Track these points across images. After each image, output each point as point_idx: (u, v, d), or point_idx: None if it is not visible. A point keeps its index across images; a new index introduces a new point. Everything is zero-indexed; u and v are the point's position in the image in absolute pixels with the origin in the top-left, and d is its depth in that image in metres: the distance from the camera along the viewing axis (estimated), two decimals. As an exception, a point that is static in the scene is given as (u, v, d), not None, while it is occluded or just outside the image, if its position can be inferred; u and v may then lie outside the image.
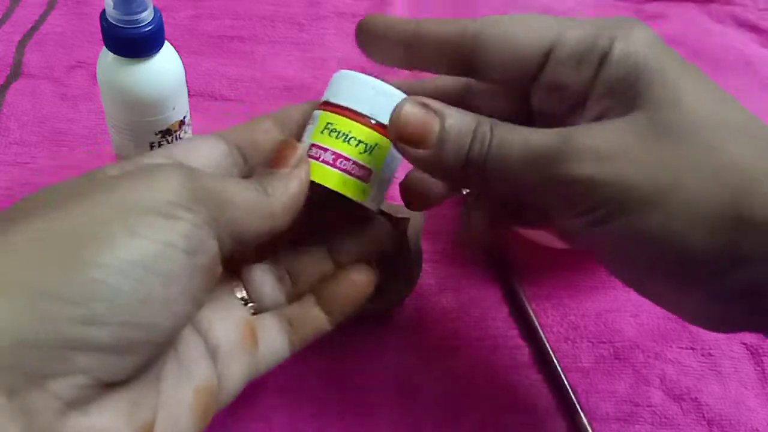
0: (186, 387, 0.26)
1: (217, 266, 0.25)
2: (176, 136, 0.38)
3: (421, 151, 0.27)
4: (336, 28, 0.57)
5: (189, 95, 0.39)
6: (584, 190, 0.24)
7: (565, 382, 0.38)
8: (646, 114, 0.25)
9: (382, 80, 0.29)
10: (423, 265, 0.39)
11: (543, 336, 0.40)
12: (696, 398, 0.39)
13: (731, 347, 0.41)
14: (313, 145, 0.29)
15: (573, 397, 0.38)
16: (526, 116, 0.29)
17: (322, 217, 0.32)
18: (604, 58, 0.26)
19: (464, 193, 0.46)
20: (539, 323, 0.40)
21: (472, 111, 0.27)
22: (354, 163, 0.29)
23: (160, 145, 0.37)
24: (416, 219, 0.40)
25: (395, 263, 0.40)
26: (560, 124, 0.26)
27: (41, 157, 0.46)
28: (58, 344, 0.21)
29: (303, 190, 0.28)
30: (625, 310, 0.42)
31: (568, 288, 0.43)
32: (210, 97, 0.51)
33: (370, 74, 0.30)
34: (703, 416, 0.38)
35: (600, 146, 0.24)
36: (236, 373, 0.28)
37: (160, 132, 0.37)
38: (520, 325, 0.41)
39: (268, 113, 0.31)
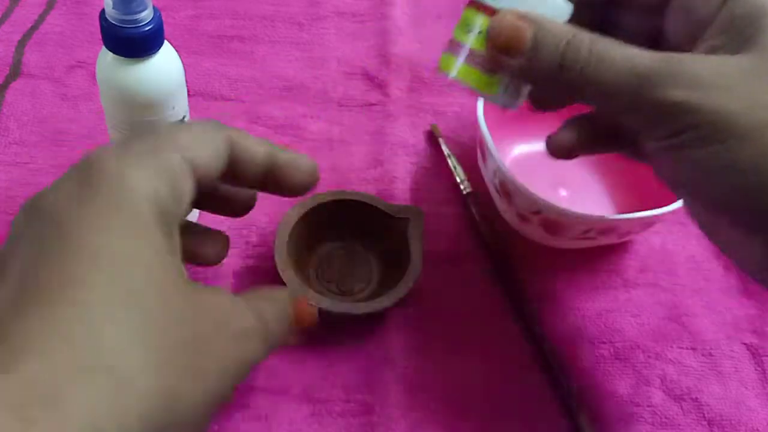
0: None
1: None
2: (176, 136, 0.38)
3: (515, 60, 0.29)
4: (336, 27, 0.57)
5: (189, 95, 0.39)
6: (679, 112, 0.26)
7: (566, 382, 0.38)
8: (756, 55, 0.26)
9: None
10: (423, 264, 0.39)
11: (543, 336, 0.40)
12: (696, 398, 0.39)
13: (731, 347, 0.41)
14: (451, 40, 0.31)
15: (573, 397, 0.37)
16: (652, 42, 0.30)
17: None
18: None
19: (465, 193, 0.46)
20: (540, 323, 0.40)
21: (610, 26, 0.29)
22: (479, 55, 0.31)
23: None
24: (416, 219, 0.41)
25: (396, 263, 0.40)
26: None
27: (41, 157, 0.46)
28: None
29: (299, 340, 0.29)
30: (625, 310, 0.42)
31: (568, 288, 0.43)
32: (210, 96, 0.51)
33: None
34: (704, 416, 0.38)
35: (703, 74, 0.26)
36: None
37: (160, 132, 0.37)
38: (520, 325, 0.41)
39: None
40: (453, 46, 0.32)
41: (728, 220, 0.28)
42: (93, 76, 0.50)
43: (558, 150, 0.35)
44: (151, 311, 0.23)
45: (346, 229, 0.42)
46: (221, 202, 0.31)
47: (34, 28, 0.54)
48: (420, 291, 0.41)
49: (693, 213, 0.31)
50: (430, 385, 0.38)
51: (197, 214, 0.42)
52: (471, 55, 0.31)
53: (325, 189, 0.44)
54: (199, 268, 0.40)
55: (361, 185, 0.46)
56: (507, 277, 0.42)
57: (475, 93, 0.32)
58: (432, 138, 0.50)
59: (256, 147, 0.29)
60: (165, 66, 0.35)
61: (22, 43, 0.53)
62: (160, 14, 0.34)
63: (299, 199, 0.37)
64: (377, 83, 0.53)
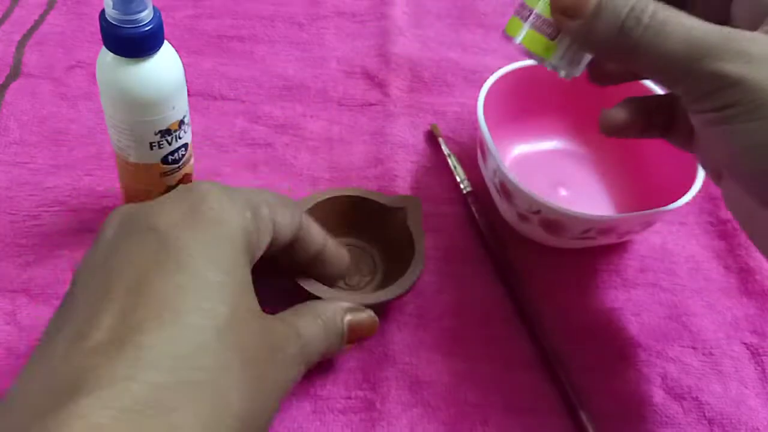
0: None
1: None
2: (176, 136, 0.38)
3: (576, 22, 0.30)
4: (336, 27, 0.57)
5: (189, 95, 0.39)
6: (727, 84, 0.26)
7: (566, 381, 0.38)
8: None
9: None
10: (425, 263, 0.39)
11: (544, 335, 0.40)
12: (697, 397, 0.39)
13: (732, 347, 0.41)
14: (521, 3, 0.33)
15: (574, 395, 0.37)
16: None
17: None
18: None
19: (465, 193, 0.46)
20: (540, 322, 0.40)
21: (680, 7, 0.29)
22: (543, 20, 0.32)
23: (159, 145, 0.37)
24: (414, 209, 0.41)
25: (399, 255, 0.39)
26: None
27: (41, 157, 0.46)
28: None
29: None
30: (626, 310, 0.42)
31: (568, 288, 0.43)
32: (210, 96, 0.51)
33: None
34: (704, 415, 0.38)
35: (754, 51, 0.26)
36: None
37: (160, 132, 0.37)
38: (521, 324, 0.41)
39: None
40: (522, 10, 0.33)
41: (762, 201, 0.28)
42: (93, 76, 0.50)
43: (610, 127, 0.36)
44: (239, 334, 0.25)
45: (346, 225, 0.41)
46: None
47: (34, 28, 0.54)
48: (420, 290, 0.41)
49: (730, 197, 0.31)
50: (431, 383, 0.38)
51: None
52: (538, 20, 0.32)
53: (325, 188, 0.45)
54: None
55: (362, 184, 0.46)
56: (507, 276, 0.42)
57: (536, 58, 0.33)
58: (432, 138, 0.50)
59: (317, 236, 0.34)
60: (165, 66, 0.35)
61: (22, 43, 0.53)
62: (160, 14, 0.34)
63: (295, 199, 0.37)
64: (377, 83, 0.53)
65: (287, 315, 0.31)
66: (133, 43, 0.34)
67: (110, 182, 0.44)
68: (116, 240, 0.27)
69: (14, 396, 0.23)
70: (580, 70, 0.34)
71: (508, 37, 0.33)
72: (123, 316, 0.24)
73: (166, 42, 0.35)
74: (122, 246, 0.26)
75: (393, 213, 0.41)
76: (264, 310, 0.29)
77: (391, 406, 0.37)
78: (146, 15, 0.33)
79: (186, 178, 0.41)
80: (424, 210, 0.41)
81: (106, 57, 0.35)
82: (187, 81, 0.38)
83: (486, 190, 0.45)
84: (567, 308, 0.42)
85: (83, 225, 0.42)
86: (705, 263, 0.45)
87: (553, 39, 0.32)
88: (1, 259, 0.41)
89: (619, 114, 0.35)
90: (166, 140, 0.37)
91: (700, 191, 0.41)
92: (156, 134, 0.37)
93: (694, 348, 0.41)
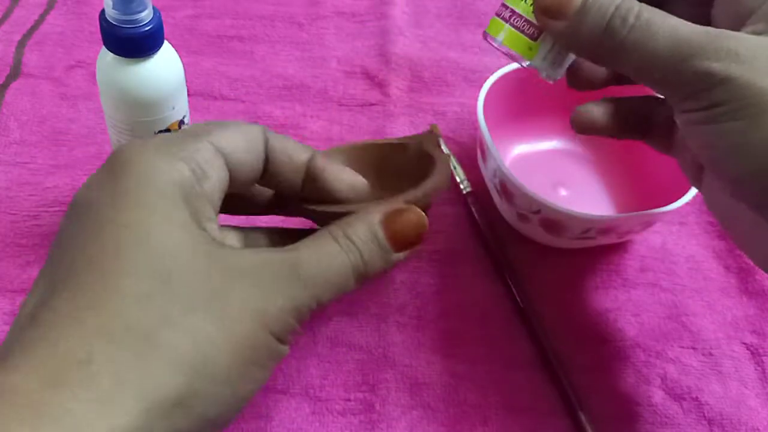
0: None
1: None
2: (176, 136, 0.38)
3: (560, 22, 0.29)
4: (336, 27, 0.57)
5: (189, 95, 0.39)
6: (714, 83, 0.26)
7: (566, 381, 0.38)
8: None
9: None
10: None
11: (543, 335, 0.40)
12: (696, 398, 0.39)
13: (732, 347, 0.41)
14: (503, 3, 0.33)
15: (574, 396, 0.37)
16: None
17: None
18: None
19: (465, 193, 0.46)
20: (539, 323, 0.40)
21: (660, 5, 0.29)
22: (525, 20, 0.32)
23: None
24: (430, 137, 0.36)
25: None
26: None
27: (41, 157, 0.46)
28: None
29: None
30: (626, 310, 0.42)
31: (568, 288, 0.43)
32: (210, 96, 0.51)
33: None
34: (704, 416, 0.38)
35: (741, 50, 0.26)
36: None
37: (160, 132, 0.37)
38: (521, 324, 0.41)
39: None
40: (503, 10, 0.33)
41: (750, 202, 0.28)
42: (93, 76, 0.50)
43: (581, 123, 0.35)
44: (175, 272, 0.24)
45: (370, 179, 0.35)
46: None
47: (34, 28, 0.54)
48: (420, 290, 0.41)
49: (711, 198, 0.31)
50: (430, 384, 0.38)
51: None
52: (520, 20, 0.32)
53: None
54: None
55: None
56: (507, 276, 0.42)
57: (517, 59, 0.32)
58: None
59: (299, 152, 0.30)
60: (165, 66, 0.35)
61: (22, 43, 0.53)
62: (159, 14, 0.34)
63: None
64: (377, 83, 0.53)
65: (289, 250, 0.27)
66: (133, 43, 0.34)
67: (110, 182, 0.44)
68: (61, 226, 0.27)
69: None
70: (561, 72, 0.33)
71: (490, 38, 0.33)
72: (41, 298, 0.24)
73: (166, 42, 0.35)
74: (64, 227, 0.26)
75: (410, 150, 0.36)
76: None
77: (391, 407, 0.37)
78: (146, 15, 0.33)
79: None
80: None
81: (106, 57, 0.35)
82: (187, 81, 0.38)
83: (486, 190, 0.45)
84: (567, 308, 0.42)
85: (83, 225, 0.42)
86: (705, 263, 0.45)
87: (535, 39, 0.32)
88: (1, 259, 0.41)
89: (592, 111, 0.35)
90: (166, 140, 0.37)
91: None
92: (156, 134, 0.37)
93: (694, 348, 0.41)
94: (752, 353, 0.41)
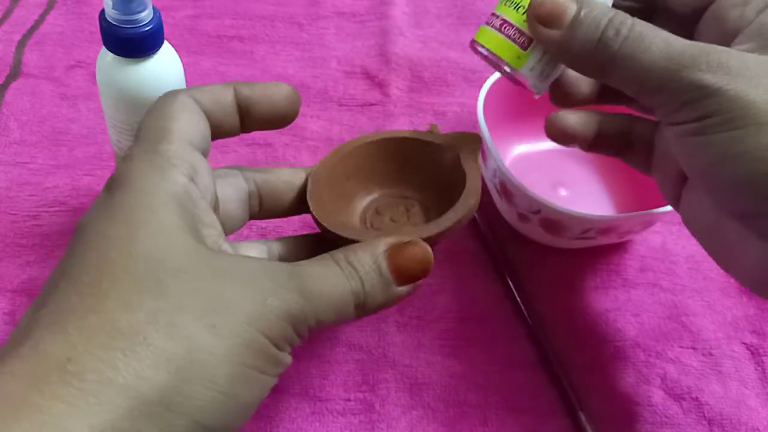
0: None
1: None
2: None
3: (554, 32, 0.29)
4: (336, 27, 0.57)
5: (189, 95, 0.39)
6: (705, 95, 0.27)
7: (566, 381, 0.38)
8: None
9: None
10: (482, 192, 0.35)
11: (543, 335, 0.40)
12: (696, 398, 0.39)
13: (732, 347, 0.41)
14: (493, 13, 0.32)
15: (574, 396, 0.37)
16: None
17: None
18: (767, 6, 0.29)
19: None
20: (539, 323, 0.40)
21: None
22: (516, 29, 0.31)
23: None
24: (471, 146, 0.36)
25: (450, 201, 0.34)
26: None
27: (41, 157, 0.46)
28: None
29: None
30: (625, 310, 0.42)
31: (568, 288, 0.43)
32: (210, 96, 0.51)
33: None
34: (704, 416, 0.38)
35: (732, 63, 0.27)
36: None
37: (160, 132, 0.37)
38: (520, 324, 0.41)
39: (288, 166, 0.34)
40: (493, 19, 0.32)
41: (733, 212, 0.28)
42: (93, 76, 0.50)
43: (555, 129, 0.35)
44: (165, 278, 0.24)
45: (391, 172, 0.36)
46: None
47: (34, 28, 0.54)
48: (420, 290, 0.41)
49: (691, 217, 0.31)
50: (430, 384, 0.38)
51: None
52: (510, 29, 0.31)
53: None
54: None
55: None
56: (507, 276, 0.42)
57: (505, 69, 0.32)
58: (432, 138, 0.50)
59: (223, 95, 0.30)
60: (165, 66, 0.35)
61: (22, 43, 0.53)
62: (159, 14, 0.34)
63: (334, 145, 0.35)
64: (377, 83, 0.53)
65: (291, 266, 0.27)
66: (133, 43, 0.34)
67: (110, 182, 0.44)
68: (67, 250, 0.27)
69: None
70: (548, 84, 0.33)
71: (478, 45, 0.32)
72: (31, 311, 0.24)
73: (166, 42, 0.35)
74: (67, 251, 0.26)
75: (446, 154, 0.36)
76: None
77: (391, 407, 0.37)
78: (146, 15, 0.33)
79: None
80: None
81: (106, 57, 0.35)
82: (187, 81, 0.38)
83: (486, 190, 0.45)
84: (567, 308, 0.42)
85: (83, 225, 0.42)
86: (705, 263, 0.45)
87: (526, 49, 0.31)
88: (1, 259, 0.41)
89: (568, 119, 0.35)
90: (166, 140, 0.37)
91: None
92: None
93: (693, 348, 0.41)
94: (752, 353, 0.41)
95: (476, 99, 0.43)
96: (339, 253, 0.28)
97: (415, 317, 0.40)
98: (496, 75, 0.45)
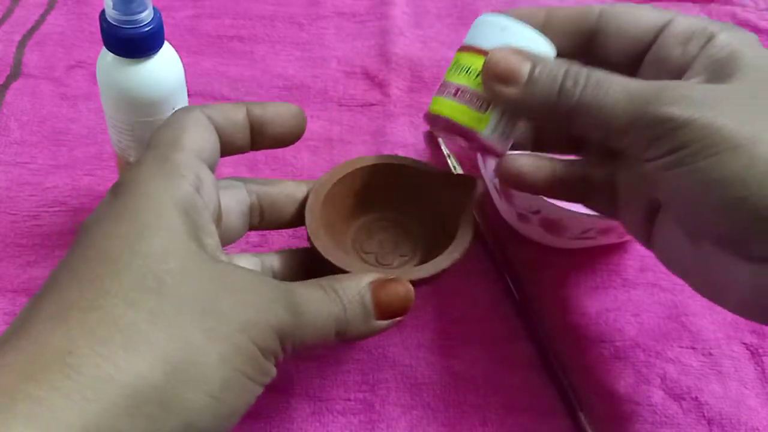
0: None
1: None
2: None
3: (511, 89, 0.30)
4: (336, 27, 0.57)
5: (189, 95, 0.39)
6: (674, 127, 0.27)
7: (566, 381, 0.38)
8: (741, 82, 0.28)
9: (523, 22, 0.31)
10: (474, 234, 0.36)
11: (543, 335, 0.40)
12: (696, 398, 0.39)
13: (731, 347, 0.41)
14: (443, 83, 0.32)
15: (574, 396, 0.37)
16: None
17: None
18: (710, 39, 0.30)
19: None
20: (539, 323, 0.40)
21: None
22: (472, 94, 0.31)
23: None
24: (469, 187, 0.36)
25: (443, 233, 0.36)
26: None
27: (41, 157, 0.46)
28: None
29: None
30: (625, 310, 0.42)
31: (568, 288, 0.43)
32: (210, 97, 0.51)
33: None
34: (704, 416, 0.38)
35: (694, 95, 0.27)
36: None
37: (160, 132, 0.37)
38: (520, 324, 0.41)
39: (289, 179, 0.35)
40: (444, 87, 0.32)
41: (722, 237, 0.28)
42: (93, 76, 0.50)
43: (508, 173, 0.34)
44: (167, 279, 0.24)
45: (389, 197, 0.37)
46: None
47: (35, 28, 0.54)
48: (420, 290, 0.41)
49: (671, 255, 0.31)
50: (430, 384, 0.38)
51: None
52: (465, 94, 0.31)
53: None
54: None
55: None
56: (507, 276, 0.42)
57: (465, 135, 0.32)
58: (432, 138, 0.50)
59: (235, 114, 0.31)
60: (165, 66, 0.35)
61: (22, 43, 0.53)
62: (160, 14, 0.34)
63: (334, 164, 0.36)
64: (377, 83, 0.53)
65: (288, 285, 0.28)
66: (133, 43, 0.34)
67: (110, 182, 0.44)
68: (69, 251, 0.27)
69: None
70: (510, 142, 0.33)
71: (435, 116, 0.32)
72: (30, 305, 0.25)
73: (166, 42, 0.35)
74: (69, 252, 0.26)
75: (445, 189, 0.37)
76: None
77: (391, 407, 0.37)
78: (146, 15, 0.33)
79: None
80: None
81: (106, 57, 0.35)
82: (187, 81, 0.38)
83: (486, 191, 0.45)
84: (567, 308, 0.42)
85: (83, 225, 0.42)
86: (705, 263, 0.45)
87: (484, 112, 0.31)
88: (1, 259, 0.41)
89: (521, 162, 0.34)
90: (166, 140, 0.37)
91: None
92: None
93: (693, 348, 0.41)
94: (752, 353, 0.41)
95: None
96: (326, 281, 0.29)
97: (415, 317, 0.40)
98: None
